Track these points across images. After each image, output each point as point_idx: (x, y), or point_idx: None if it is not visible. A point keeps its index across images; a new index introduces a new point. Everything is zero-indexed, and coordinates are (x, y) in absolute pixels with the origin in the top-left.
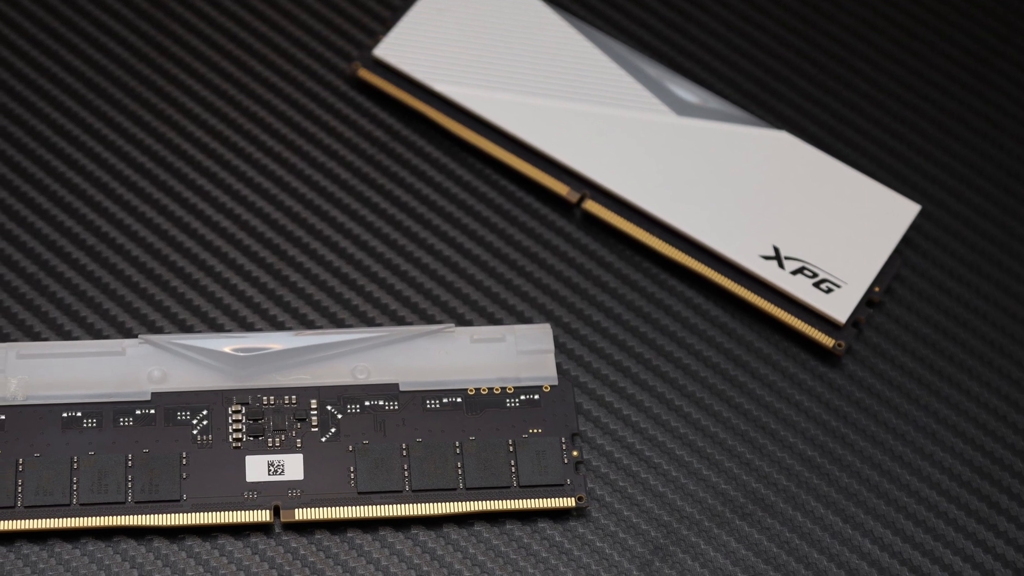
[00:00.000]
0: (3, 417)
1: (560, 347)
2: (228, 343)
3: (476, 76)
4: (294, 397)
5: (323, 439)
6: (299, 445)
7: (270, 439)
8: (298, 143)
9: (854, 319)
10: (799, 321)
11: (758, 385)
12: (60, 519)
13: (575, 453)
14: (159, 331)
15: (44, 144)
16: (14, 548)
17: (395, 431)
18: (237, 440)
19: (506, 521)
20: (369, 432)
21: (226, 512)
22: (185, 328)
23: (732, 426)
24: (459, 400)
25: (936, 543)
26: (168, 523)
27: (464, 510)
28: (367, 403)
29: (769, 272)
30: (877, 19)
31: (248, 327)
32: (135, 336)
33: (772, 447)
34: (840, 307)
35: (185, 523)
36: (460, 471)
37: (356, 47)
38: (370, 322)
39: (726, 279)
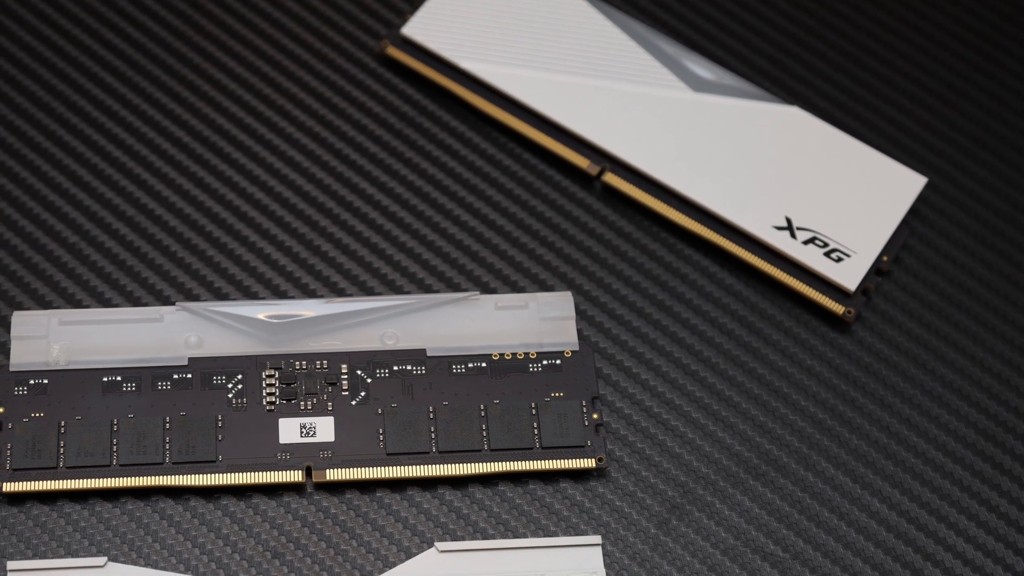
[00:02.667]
0: (46, 381)
1: (581, 314)
2: (262, 310)
3: (500, 54)
4: (325, 362)
5: (353, 402)
6: (330, 408)
7: (302, 402)
8: (329, 118)
9: (863, 287)
10: (810, 289)
11: (771, 351)
12: (101, 479)
13: (595, 416)
14: (196, 299)
15: (86, 119)
16: (56, 507)
17: (422, 395)
18: (271, 403)
19: (529, 481)
20: (397, 395)
21: (260, 472)
22: (221, 296)
23: (746, 390)
24: (484, 365)
25: (942, 502)
26: (204, 483)
27: (488, 470)
28: (395, 368)
29: (781, 242)
30: None
31: (281, 295)
32: (173, 303)
33: (784, 410)
34: (850, 275)
35: (220, 483)
36: (485, 433)
37: (385, 26)
38: (398, 290)
39: (740, 248)
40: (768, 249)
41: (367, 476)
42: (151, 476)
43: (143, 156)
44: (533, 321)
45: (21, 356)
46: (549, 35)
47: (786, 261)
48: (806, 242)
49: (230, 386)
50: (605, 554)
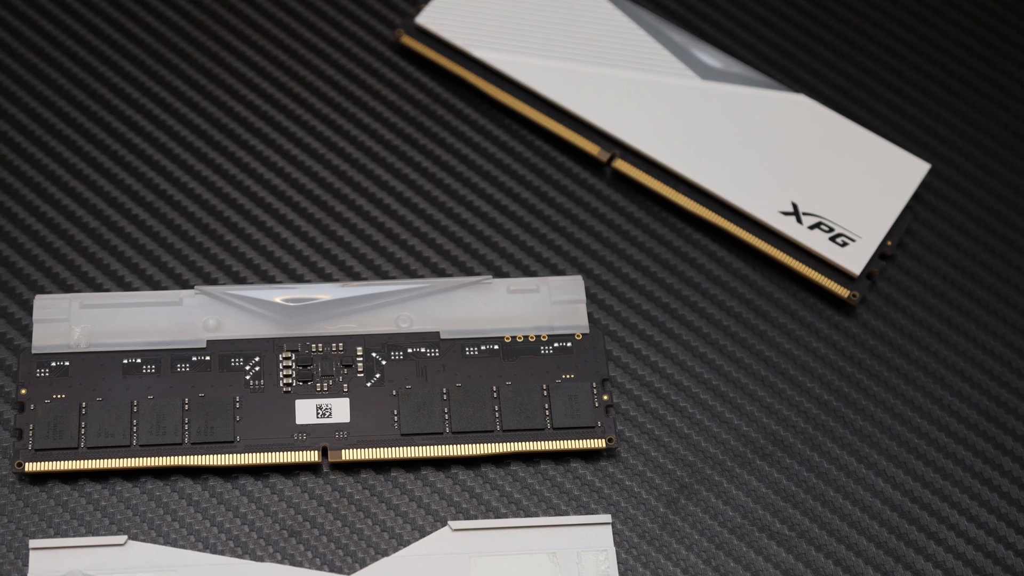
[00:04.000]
0: (67, 364)
1: (591, 297)
2: (279, 294)
3: (513, 43)
4: (341, 344)
5: (368, 384)
6: (346, 390)
7: (318, 384)
8: (345, 106)
9: (868, 271)
10: (816, 273)
11: (777, 333)
12: (121, 459)
13: (605, 397)
14: (214, 282)
15: (108, 108)
16: (77, 487)
17: (436, 376)
18: (287, 385)
19: (540, 461)
20: (411, 377)
21: (277, 453)
22: (238, 279)
23: (753, 372)
24: (496, 347)
25: (945, 482)
26: (222, 463)
27: (501, 451)
28: (410, 350)
29: (788, 227)
30: None
31: (298, 279)
32: (191, 287)
33: (791, 391)
34: (855, 260)
35: (238, 463)
36: (497, 414)
37: (399, 15)
38: (412, 274)
39: (747, 233)
40: (774, 234)
41: (382, 456)
42: (170, 456)
43: (163, 143)
44: (544, 304)
45: (43, 339)
46: (560, 24)
47: (792, 246)
48: (812, 227)
49: (248, 368)
50: (615, 532)
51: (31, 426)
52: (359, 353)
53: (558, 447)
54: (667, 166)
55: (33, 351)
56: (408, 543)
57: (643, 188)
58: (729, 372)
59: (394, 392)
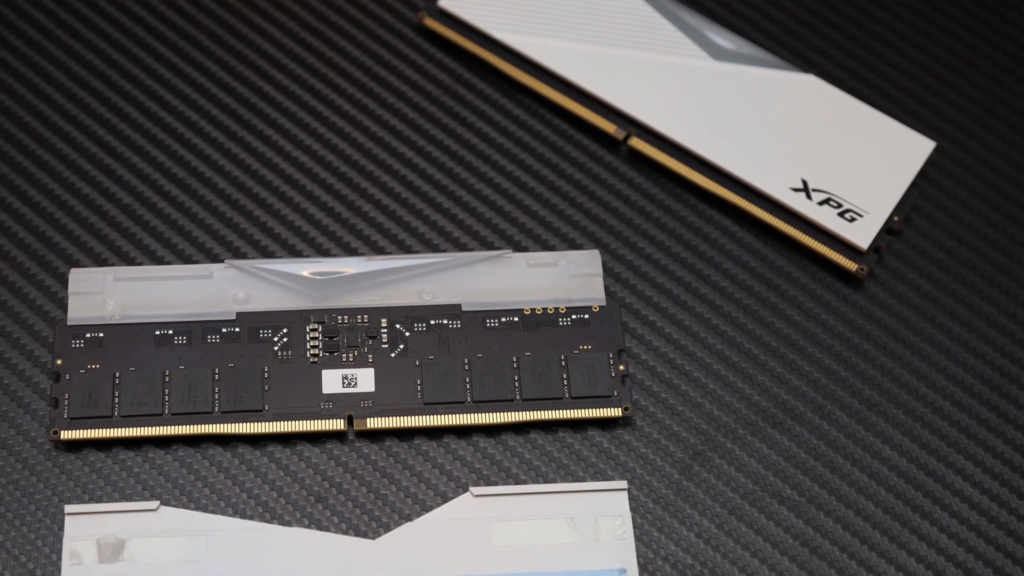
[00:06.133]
0: (102, 335)
1: (608, 271)
2: (306, 267)
3: (532, 25)
4: (366, 316)
5: (392, 355)
6: (370, 360)
7: (344, 355)
8: (370, 86)
9: (875, 246)
10: (825, 247)
11: (788, 305)
12: (153, 427)
13: (621, 367)
14: (243, 256)
15: (141, 88)
16: (111, 454)
17: (458, 347)
18: (314, 355)
19: (558, 429)
20: (434, 348)
21: (304, 421)
22: (267, 254)
23: (764, 343)
24: (516, 319)
25: (949, 449)
26: (251, 431)
27: (520, 419)
28: (432, 322)
29: (798, 203)
30: None
31: (324, 253)
32: (222, 261)
33: (800, 362)
34: (862, 235)
35: (267, 431)
36: (517, 384)
37: None
38: (435, 248)
39: (759, 209)
40: (785, 209)
41: (405, 424)
42: (201, 424)
43: (194, 122)
44: (563, 278)
45: (78, 311)
46: (578, 7)
47: (802, 221)
48: (821, 203)
49: (276, 339)
50: (631, 498)
51: (66, 395)
52: (383, 325)
53: (576, 416)
54: (681, 144)
55: (69, 323)
56: (431, 508)
57: (658, 165)
58: (741, 343)
59: (417, 362)
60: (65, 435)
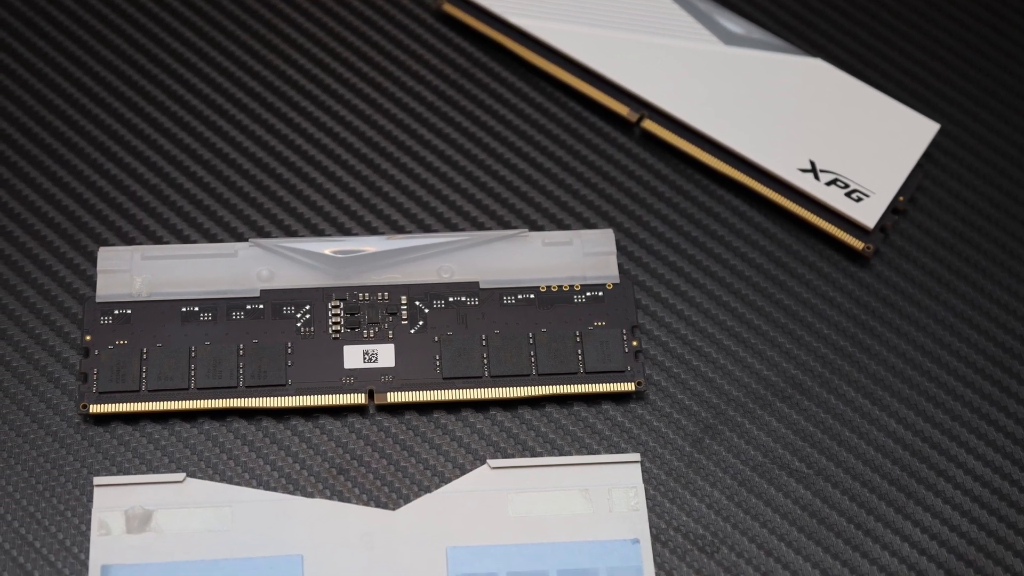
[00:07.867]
0: (129, 311)
1: (621, 250)
2: (328, 246)
3: (547, 10)
4: (386, 294)
5: (412, 331)
6: (391, 336)
7: (365, 331)
8: (390, 70)
9: (881, 225)
10: (832, 226)
11: (796, 283)
12: (180, 401)
13: (635, 343)
14: (267, 235)
15: (166, 71)
16: (139, 427)
17: (476, 324)
18: (336, 332)
19: (573, 403)
20: (453, 324)
21: (326, 395)
22: (290, 232)
23: (773, 319)
24: (532, 296)
25: (953, 423)
26: (275, 405)
27: (536, 393)
28: (451, 299)
29: (806, 183)
30: None
31: (346, 232)
32: (246, 240)
33: (809, 338)
34: (869, 214)
35: (290, 405)
36: (533, 359)
37: None
38: (453, 227)
39: (768, 189)
40: (793, 190)
41: (425, 399)
42: (226, 399)
43: (219, 105)
44: (577, 256)
45: (106, 288)
46: None
47: (810, 200)
48: (828, 183)
49: (299, 316)
50: (644, 470)
51: (95, 370)
52: (403, 302)
53: (590, 390)
54: (692, 126)
55: (97, 300)
56: (449, 480)
57: (670, 147)
58: (751, 320)
59: (436, 338)
60: (94, 409)
